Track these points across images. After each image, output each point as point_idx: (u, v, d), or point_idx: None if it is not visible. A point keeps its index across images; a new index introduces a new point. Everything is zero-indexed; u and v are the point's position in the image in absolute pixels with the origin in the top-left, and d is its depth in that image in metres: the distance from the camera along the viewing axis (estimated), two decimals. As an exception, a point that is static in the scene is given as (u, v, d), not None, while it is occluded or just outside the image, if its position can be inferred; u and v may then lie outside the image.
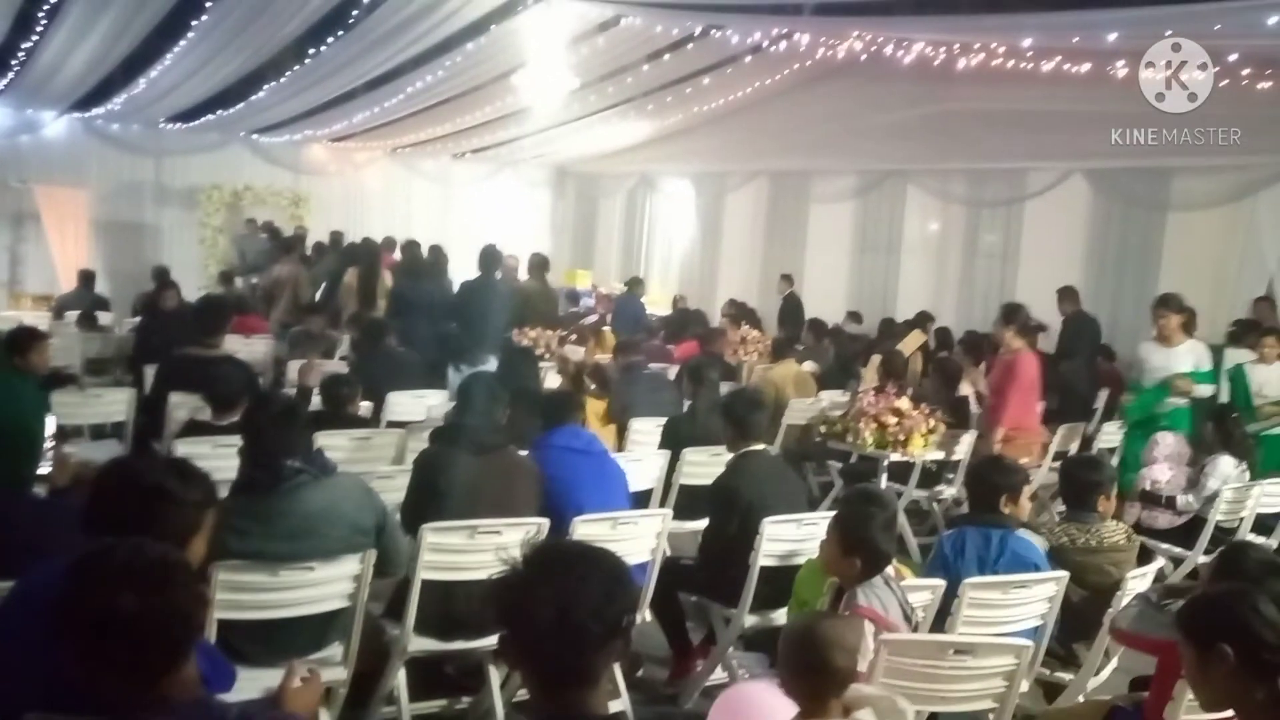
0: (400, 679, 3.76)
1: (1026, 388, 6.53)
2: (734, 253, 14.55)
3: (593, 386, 6.49)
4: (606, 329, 9.83)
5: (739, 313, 11.51)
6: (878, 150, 11.67)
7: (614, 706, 4.02)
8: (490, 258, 7.37)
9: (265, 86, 10.82)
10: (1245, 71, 6.64)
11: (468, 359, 6.98)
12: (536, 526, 3.77)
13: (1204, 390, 6.60)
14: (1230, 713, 2.35)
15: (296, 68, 10.02)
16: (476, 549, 3.65)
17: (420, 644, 3.73)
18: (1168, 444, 6.47)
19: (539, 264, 10.24)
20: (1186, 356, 6.45)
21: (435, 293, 8.12)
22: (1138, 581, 3.78)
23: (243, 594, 3.20)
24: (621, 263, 16.05)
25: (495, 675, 3.84)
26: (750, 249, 14.31)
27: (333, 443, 4.74)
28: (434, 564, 3.65)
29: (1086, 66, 7.21)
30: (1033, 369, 6.61)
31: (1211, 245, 9.70)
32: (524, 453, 4.33)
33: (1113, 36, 6.01)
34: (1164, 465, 6.28)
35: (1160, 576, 4.58)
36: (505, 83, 9.71)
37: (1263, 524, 5.99)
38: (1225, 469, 6.02)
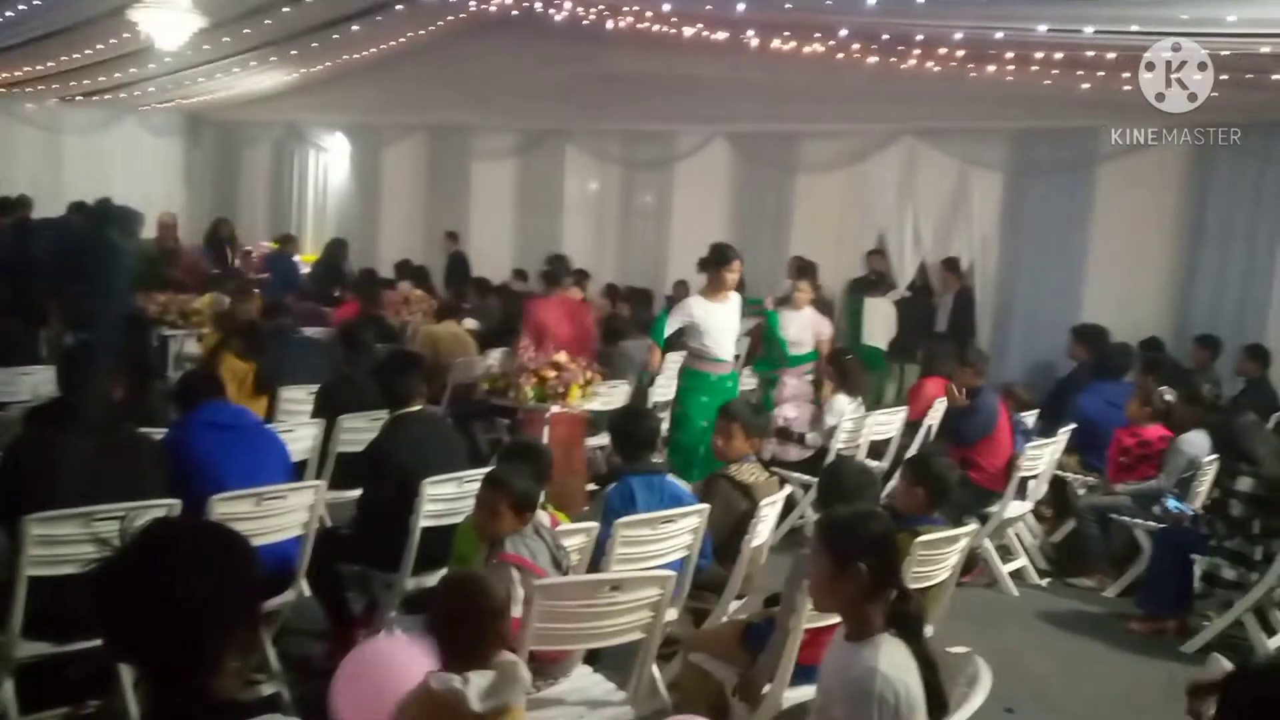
0: (7, 691, 3.33)
1: (534, 331, 6.50)
2: (395, 209, 14.13)
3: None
4: (255, 291, 9.15)
5: (405, 272, 11.26)
6: (537, 109, 11.78)
7: (267, 689, 3.82)
8: (103, 213, 6.56)
9: None
10: (855, 47, 7.36)
11: (86, 326, 6.20)
12: (166, 509, 3.43)
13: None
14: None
15: None
16: (95, 539, 3.26)
17: (31, 649, 3.32)
18: (793, 385, 7.17)
19: (125, 218, 9.11)
20: (735, 310, 6.25)
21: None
22: (770, 508, 4.15)
23: None
24: (269, 219, 15.05)
25: (127, 674, 3.49)
26: (412, 205, 13.96)
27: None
28: (42, 559, 3.23)
29: (723, 35, 7.65)
30: (543, 314, 6.61)
31: (834, 204, 10.78)
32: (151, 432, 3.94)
33: (740, 6, 6.41)
34: (791, 404, 6.94)
35: (790, 502, 5.06)
36: (120, 18, 8.64)
37: (877, 450, 6.81)
38: (841, 405, 6.76)
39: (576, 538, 3.69)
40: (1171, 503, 5.66)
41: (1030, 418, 6.90)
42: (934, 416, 6.99)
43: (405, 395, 4.42)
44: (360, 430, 5.11)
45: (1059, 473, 6.49)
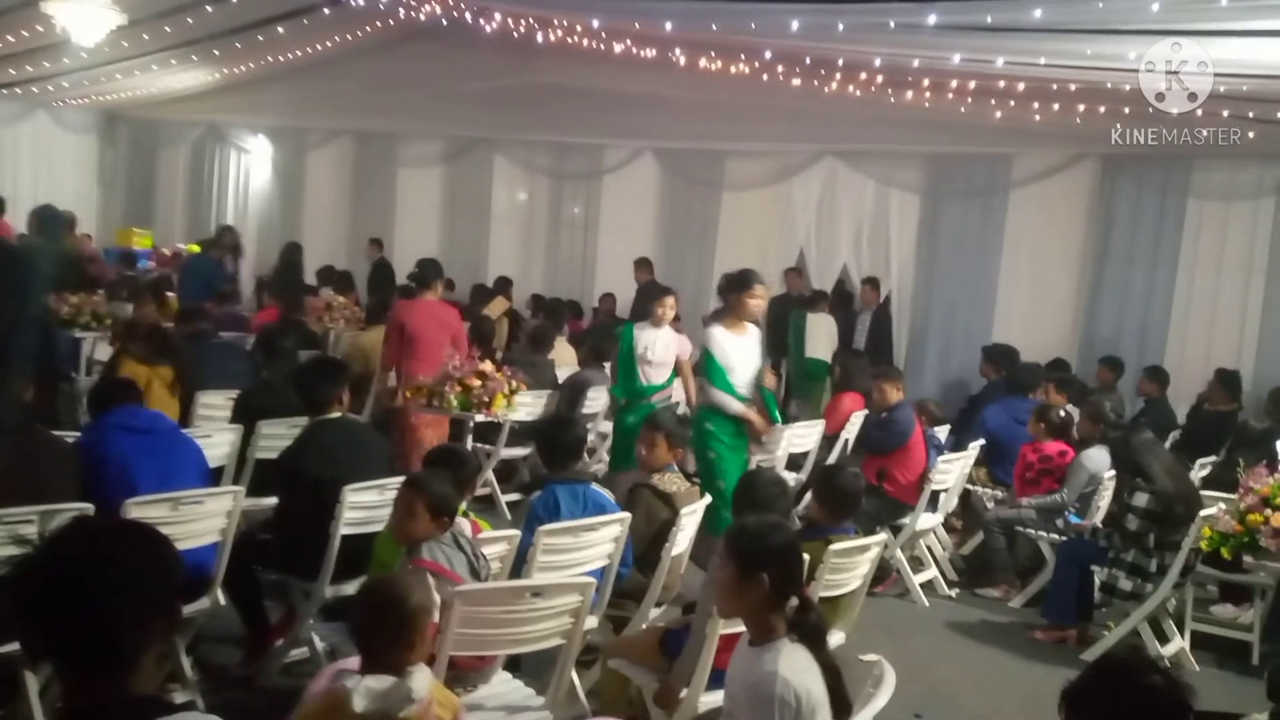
0: (-99, 703, 3.22)
1: (396, 334, 6.38)
2: (318, 214, 13.93)
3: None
4: (171, 294, 8.96)
5: (328, 278, 11.13)
6: (465, 117, 11.76)
7: (181, 697, 3.75)
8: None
9: None
10: (779, 69, 7.54)
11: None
12: (78, 512, 3.36)
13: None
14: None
15: None
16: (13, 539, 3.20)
17: (-70, 659, 3.20)
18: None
19: (47, 219, 8.83)
20: (755, 343, 5.64)
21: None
22: (690, 517, 4.23)
23: None
24: (187, 221, 14.71)
25: (33, 682, 3.41)
26: (336, 211, 13.79)
27: None
28: (-54, 564, 3.13)
29: (652, 52, 7.76)
30: (407, 317, 6.43)
31: (757, 221, 10.98)
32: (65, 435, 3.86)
33: (668, 25, 6.52)
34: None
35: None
36: (34, 10, 8.40)
37: (795, 462, 6.95)
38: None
39: (498, 546, 3.72)
40: (1073, 517, 5.92)
41: (942, 433, 7.12)
42: (850, 430, 7.17)
43: (324, 402, 4.40)
44: (279, 437, 5.04)
45: (968, 486, 6.71)
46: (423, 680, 2.40)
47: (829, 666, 2.57)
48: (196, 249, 11.94)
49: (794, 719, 2.43)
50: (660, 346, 6.23)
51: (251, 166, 14.63)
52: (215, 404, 5.77)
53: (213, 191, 14.88)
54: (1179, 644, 5.30)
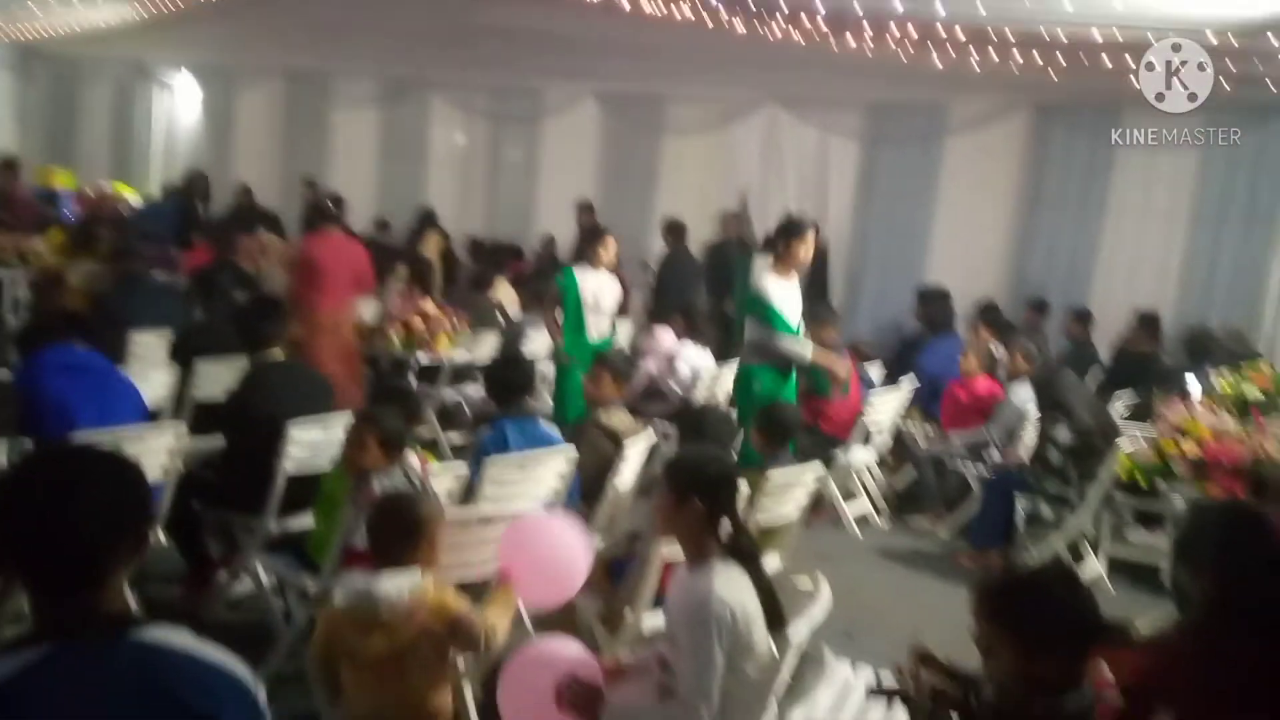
0: None
1: (306, 268, 6.16)
2: (249, 154, 13.58)
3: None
4: (104, 233, 8.70)
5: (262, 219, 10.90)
6: (401, 57, 11.51)
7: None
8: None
9: None
10: (722, 13, 7.52)
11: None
12: (21, 449, 3.34)
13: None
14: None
15: None
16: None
17: None
18: (662, 340, 7.35)
19: None
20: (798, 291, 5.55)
21: None
22: (634, 450, 4.33)
23: None
24: (112, 161, 14.24)
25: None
26: (268, 152, 13.45)
27: None
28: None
29: (595, -9, 7.67)
30: (317, 251, 6.24)
31: (699, 167, 10.99)
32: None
33: (613, -37, 6.47)
34: (651, 358, 7.13)
35: (654, 449, 5.26)
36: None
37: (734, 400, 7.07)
38: (690, 353, 6.98)
39: (445, 481, 3.77)
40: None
41: (872, 369, 7.31)
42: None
43: (263, 339, 4.38)
44: (219, 376, 5.01)
45: (900, 424, 6.92)
46: (395, 585, 2.49)
47: (763, 584, 2.70)
48: (124, 188, 11.58)
49: (730, 633, 2.55)
50: (607, 293, 6.15)
51: (179, 105, 14.20)
52: (149, 343, 5.69)
53: (138, 130, 14.42)
54: (1096, 568, 5.57)
